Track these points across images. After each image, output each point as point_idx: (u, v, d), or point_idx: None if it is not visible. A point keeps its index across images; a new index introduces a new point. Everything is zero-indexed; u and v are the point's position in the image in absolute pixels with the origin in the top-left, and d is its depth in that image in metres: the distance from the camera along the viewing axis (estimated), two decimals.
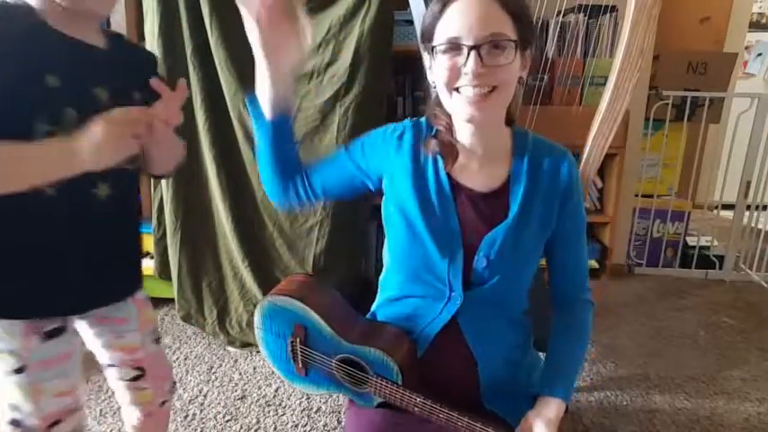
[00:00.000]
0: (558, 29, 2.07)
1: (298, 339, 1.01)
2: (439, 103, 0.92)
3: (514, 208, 0.91)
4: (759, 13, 4.04)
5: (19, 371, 0.86)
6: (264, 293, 1.95)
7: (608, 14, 2.07)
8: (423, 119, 0.98)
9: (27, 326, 0.85)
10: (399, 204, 0.94)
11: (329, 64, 1.83)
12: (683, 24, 3.35)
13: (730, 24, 3.62)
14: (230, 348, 1.99)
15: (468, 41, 0.80)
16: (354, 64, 1.79)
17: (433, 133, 0.94)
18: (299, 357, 1.02)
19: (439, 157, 0.93)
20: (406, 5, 1.62)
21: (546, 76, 2.04)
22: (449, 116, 0.92)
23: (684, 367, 1.91)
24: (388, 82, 2.00)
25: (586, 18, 2.07)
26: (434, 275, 0.93)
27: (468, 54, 0.80)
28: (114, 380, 1.07)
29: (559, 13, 2.06)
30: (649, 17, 1.37)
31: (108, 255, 0.93)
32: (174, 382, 1.17)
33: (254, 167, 1.91)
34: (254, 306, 1.99)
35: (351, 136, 1.84)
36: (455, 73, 0.83)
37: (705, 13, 3.49)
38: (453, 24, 0.82)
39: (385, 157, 0.96)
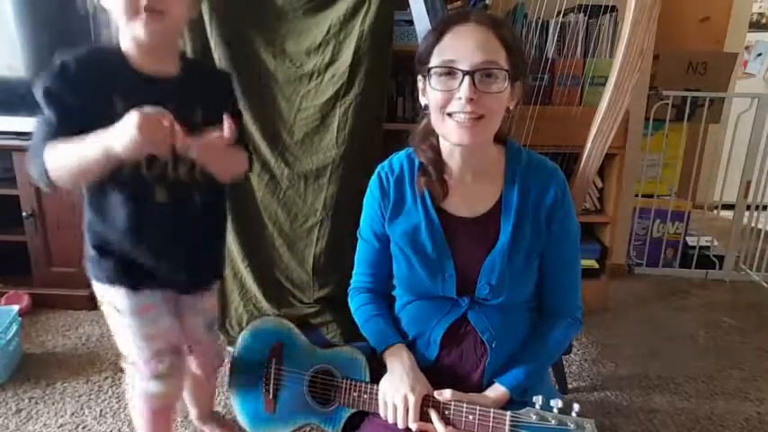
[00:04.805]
0: (558, 29, 2.07)
1: (274, 360, 1.08)
2: (424, 138, 0.97)
3: (507, 231, 0.94)
4: (759, 13, 4.04)
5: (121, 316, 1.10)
6: (264, 294, 1.97)
7: (608, 14, 2.07)
8: (401, 153, 1.03)
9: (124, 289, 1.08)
10: (396, 241, 1.01)
11: (329, 64, 1.82)
12: (683, 24, 3.35)
13: (730, 24, 3.63)
14: (230, 348, 1.98)
15: (463, 66, 0.84)
16: (354, 64, 1.79)
17: (417, 166, 0.99)
18: (272, 383, 1.08)
19: (427, 192, 0.97)
20: (406, 5, 1.62)
21: (546, 76, 2.03)
22: (435, 149, 0.96)
23: (684, 367, 1.90)
24: (389, 82, 1.99)
25: (586, 18, 2.07)
26: (435, 296, 0.99)
27: (462, 79, 0.83)
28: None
29: (559, 13, 2.06)
30: (649, 17, 1.37)
31: (188, 256, 1.10)
32: (222, 361, 1.37)
33: (254, 167, 1.91)
34: (255, 306, 2.00)
35: (351, 136, 1.84)
36: (448, 97, 0.86)
37: (705, 13, 3.49)
38: (450, 49, 0.86)
39: (383, 218, 1.02)
